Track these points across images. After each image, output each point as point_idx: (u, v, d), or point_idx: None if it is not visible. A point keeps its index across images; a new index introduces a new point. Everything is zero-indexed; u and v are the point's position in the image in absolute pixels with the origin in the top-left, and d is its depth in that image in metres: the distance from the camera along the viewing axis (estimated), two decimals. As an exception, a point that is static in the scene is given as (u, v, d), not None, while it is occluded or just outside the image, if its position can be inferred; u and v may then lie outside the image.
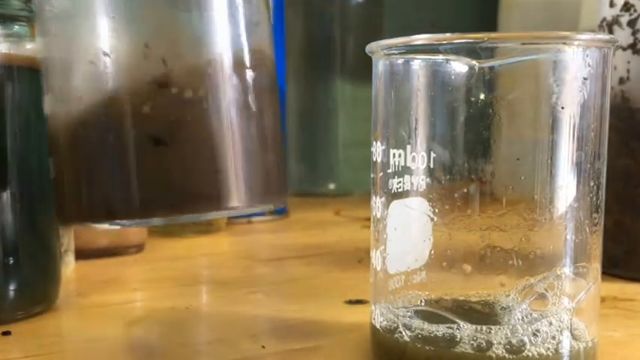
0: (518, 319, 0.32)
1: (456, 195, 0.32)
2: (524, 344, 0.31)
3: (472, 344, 0.31)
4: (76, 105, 0.32)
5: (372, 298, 0.35)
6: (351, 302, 0.46)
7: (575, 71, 0.31)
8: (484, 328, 0.31)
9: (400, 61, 0.33)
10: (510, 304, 0.32)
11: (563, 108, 0.31)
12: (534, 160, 0.31)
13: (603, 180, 0.32)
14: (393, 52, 0.33)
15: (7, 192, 0.40)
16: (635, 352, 0.38)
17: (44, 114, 0.38)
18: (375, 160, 0.34)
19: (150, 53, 0.31)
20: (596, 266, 0.33)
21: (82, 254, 0.56)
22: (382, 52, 0.33)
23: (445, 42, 0.31)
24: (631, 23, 0.50)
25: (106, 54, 0.31)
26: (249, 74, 0.32)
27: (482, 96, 0.31)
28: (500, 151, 0.31)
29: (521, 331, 0.31)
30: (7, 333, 0.39)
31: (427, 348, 0.31)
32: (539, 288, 0.32)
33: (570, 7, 0.83)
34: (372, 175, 0.35)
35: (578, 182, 0.31)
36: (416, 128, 0.32)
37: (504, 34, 0.34)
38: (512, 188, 0.31)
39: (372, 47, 0.34)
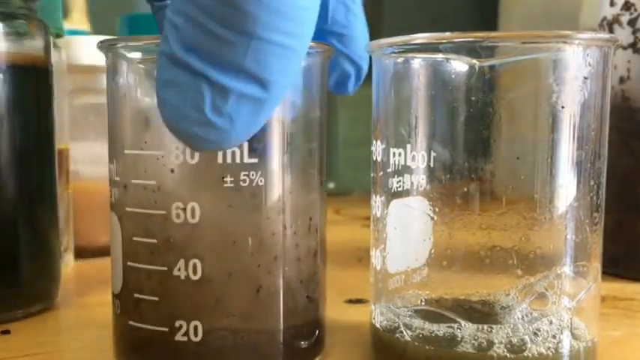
0: (519, 319, 0.32)
1: (456, 194, 0.32)
2: (524, 343, 0.31)
3: (473, 343, 0.31)
4: None
5: (372, 297, 0.35)
6: (351, 302, 0.46)
7: (576, 70, 0.31)
8: (485, 327, 0.31)
9: (400, 60, 0.33)
10: (510, 304, 0.32)
11: (563, 107, 0.31)
12: (534, 159, 0.31)
13: (603, 179, 0.32)
14: (393, 51, 0.33)
15: (7, 191, 0.40)
16: (635, 352, 0.38)
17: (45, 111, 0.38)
18: (375, 159, 0.34)
19: None
20: (597, 265, 0.33)
21: (81, 253, 0.56)
22: (382, 51, 0.33)
23: (445, 41, 0.31)
24: (631, 22, 0.50)
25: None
26: None
27: (482, 95, 0.31)
28: (500, 150, 0.31)
29: (522, 331, 0.31)
30: (6, 332, 0.39)
31: (428, 347, 0.31)
32: (540, 287, 0.32)
33: (571, 6, 0.83)
34: (372, 174, 0.34)
35: (579, 182, 0.31)
36: (416, 127, 0.32)
37: (504, 33, 0.34)
38: (512, 187, 0.31)
39: (371, 46, 0.34)
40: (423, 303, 0.33)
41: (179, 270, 0.30)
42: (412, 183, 0.32)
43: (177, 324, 0.30)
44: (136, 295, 0.31)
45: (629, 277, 0.51)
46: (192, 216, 0.30)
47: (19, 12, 0.41)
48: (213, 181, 0.30)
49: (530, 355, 0.30)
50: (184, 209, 0.30)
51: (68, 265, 0.53)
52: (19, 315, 0.41)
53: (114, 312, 0.33)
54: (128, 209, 0.31)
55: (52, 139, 0.44)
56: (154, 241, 0.30)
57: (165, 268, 0.30)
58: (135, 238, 0.31)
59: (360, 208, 0.81)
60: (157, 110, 0.26)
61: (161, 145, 0.30)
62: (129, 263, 0.31)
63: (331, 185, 1.01)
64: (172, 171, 0.30)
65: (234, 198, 0.30)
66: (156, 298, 0.31)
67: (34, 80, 0.42)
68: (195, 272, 0.30)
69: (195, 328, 0.30)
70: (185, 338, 0.30)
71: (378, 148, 0.34)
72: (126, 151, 0.31)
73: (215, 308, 0.30)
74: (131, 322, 0.32)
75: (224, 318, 0.31)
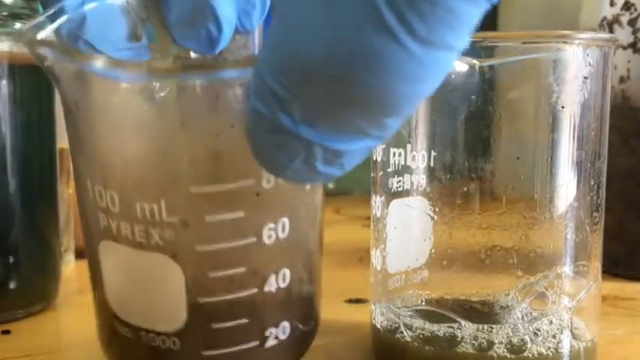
0: (519, 319, 0.31)
1: (456, 194, 0.32)
2: (524, 343, 0.31)
3: (473, 344, 0.31)
4: None
5: (373, 297, 0.35)
6: (351, 301, 0.45)
7: (576, 70, 0.31)
8: (485, 327, 0.31)
9: (400, 59, 0.32)
10: (510, 304, 0.32)
11: (563, 107, 0.31)
12: (534, 159, 0.31)
13: (604, 179, 0.32)
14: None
15: (7, 191, 0.40)
16: (636, 351, 0.38)
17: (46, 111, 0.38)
18: (375, 159, 0.34)
19: None
20: (597, 265, 0.33)
21: (82, 253, 0.56)
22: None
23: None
24: (631, 22, 0.50)
25: None
26: None
27: (482, 95, 0.31)
28: (500, 150, 0.31)
29: (523, 331, 0.31)
30: (6, 332, 0.39)
31: (428, 348, 0.31)
32: (540, 287, 0.32)
33: (571, 6, 0.83)
34: (372, 174, 0.34)
35: (579, 181, 0.31)
36: (416, 127, 0.32)
37: (504, 33, 0.34)
38: (512, 187, 0.31)
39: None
40: (423, 303, 0.33)
41: (270, 285, 0.29)
42: (412, 183, 0.32)
43: (267, 333, 0.29)
44: (215, 326, 0.29)
45: (629, 277, 0.51)
46: (283, 231, 0.28)
47: (21, 12, 0.41)
48: (300, 191, 0.29)
49: (530, 355, 0.30)
50: (275, 228, 0.28)
51: (68, 265, 0.53)
52: (20, 315, 0.41)
53: (164, 349, 0.30)
54: (199, 248, 0.28)
55: (54, 139, 0.44)
56: (241, 269, 0.28)
57: (256, 290, 0.29)
58: (211, 274, 0.28)
59: (361, 208, 0.81)
60: (228, 142, 0.25)
61: (243, 175, 0.27)
62: (199, 299, 0.28)
63: (331, 185, 1.01)
64: (258, 194, 0.27)
65: (312, 199, 0.30)
66: (245, 320, 0.29)
67: (35, 80, 0.42)
68: (284, 280, 0.29)
69: (284, 328, 0.30)
70: (275, 342, 0.30)
71: (378, 148, 0.34)
72: (193, 189, 0.27)
73: (297, 304, 0.31)
74: (206, 353, 0.29)
75: (300, 312, 0.31)
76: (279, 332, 0.30)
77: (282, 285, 0.29)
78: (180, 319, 0.29)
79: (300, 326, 0.31)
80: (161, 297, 0.29)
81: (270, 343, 0.30)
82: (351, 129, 0.22)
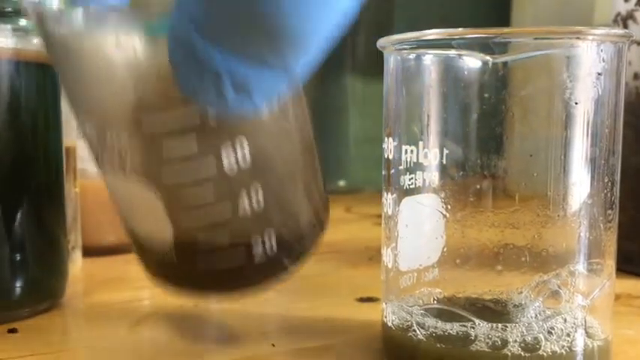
0: (532, 317, 0.31)
1: (468, 191, 0.31)
2: (539, 342, 0.30)
3: (487, 342, 0.30)
4: None
5: (384, 295, 0.35)
6: (362, 300, 0.45)
7: (589, 66, 0.30)
8: (499, 325, 0.31)
9: (412, 56, 0.32)
10: (524, 302, 0.32)
11: (577, 103, 0.30)
12: (548, 156, 0.31)
13: (617, 176, 0.32)
14: (405, 47, 0.32)
15: (14, 189, 0.40)
16: (650, 351, 0.37)
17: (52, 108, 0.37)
18: (386, 156, 0.34)
19: None
20: (611, 263, 0.32)
21: (89, 251, 0.56)
22: (393, 47, 0.33)
23: (457, 37, 0.30)
24: (645, 18, 0.50)
25: None
26: None
27: (495, 92, 0.30)
28: (513, 147, 0.31)
29: (537, 329, 0.31)
30: (13, 330, 0.39)
31: (440, 346, 0.31)
32: (553, 285, 0.31)
33: (584, 1, 0.82)
34: (383, 172, 0.34)
35: (592, 178, 0.31)
36: (428, 124, 0.32)
37: (517, 28, 0.34)
38: (526, 185, 0.31)
39: (383, 42, 0.33)
40: (435, 301, 0.33)
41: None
42: (424, 180, 0.32)
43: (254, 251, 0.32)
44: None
45: (643, 275, 0.50)
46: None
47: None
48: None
49: (544, 353, 0.30)
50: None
51: (76, 263, 0.53)
52: (27, 313, 0.41)
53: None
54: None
55: (60, 137, 0.44)
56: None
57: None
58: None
59: (371, 206, 0.81)
60: None
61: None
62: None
63: (342, 183, 1.01)
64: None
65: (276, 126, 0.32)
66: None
67: (41, 77, 0.42)
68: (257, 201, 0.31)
69: (267, 244, 0.32)
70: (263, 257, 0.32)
71: (389, 145, 0.33)
72: None
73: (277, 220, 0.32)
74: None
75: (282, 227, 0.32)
76: (264, 248, 0.31)
77: (256, 206, 0.30)
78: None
79: (287, 238, 0.32)
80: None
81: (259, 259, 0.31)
82: (253, 53, 0.24)
